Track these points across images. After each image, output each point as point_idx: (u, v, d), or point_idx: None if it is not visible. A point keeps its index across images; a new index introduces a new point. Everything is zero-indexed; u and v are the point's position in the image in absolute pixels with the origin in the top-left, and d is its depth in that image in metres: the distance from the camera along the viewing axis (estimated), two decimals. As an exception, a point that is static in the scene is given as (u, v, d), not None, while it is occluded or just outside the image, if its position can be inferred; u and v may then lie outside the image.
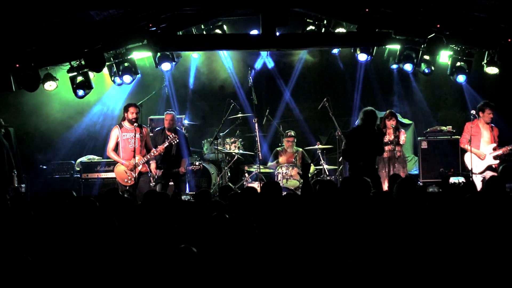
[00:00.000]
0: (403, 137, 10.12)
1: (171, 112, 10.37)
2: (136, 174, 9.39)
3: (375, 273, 4.06)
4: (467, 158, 10.00)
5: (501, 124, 11.18)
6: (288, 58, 13.12)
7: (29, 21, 8.99)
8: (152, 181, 9.63)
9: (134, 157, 9.31)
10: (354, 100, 13.09)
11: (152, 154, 9.54)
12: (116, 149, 9.59)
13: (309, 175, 10.97)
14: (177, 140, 9.77)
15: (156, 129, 10.48)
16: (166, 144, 9.64)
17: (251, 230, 4.57)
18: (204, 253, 4.25)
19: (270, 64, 13.04)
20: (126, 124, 9.51)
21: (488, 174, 9.59)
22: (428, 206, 4.92)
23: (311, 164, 11.32)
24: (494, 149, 9.83)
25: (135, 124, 9.38)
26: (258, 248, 4.45)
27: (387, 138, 9.94)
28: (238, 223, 4.50)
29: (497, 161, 9.78)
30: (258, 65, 12.99)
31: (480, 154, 9.81)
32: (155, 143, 9.87)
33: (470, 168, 9.91)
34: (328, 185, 5.72)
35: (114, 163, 9.79)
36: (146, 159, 9.47)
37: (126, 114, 9.51)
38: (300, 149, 11.53)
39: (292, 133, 11.45)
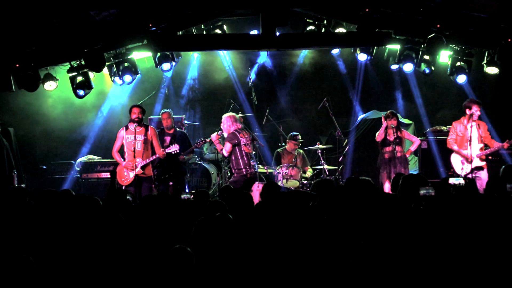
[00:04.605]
0: (416, 141, 10.22)
1: (166, 110, 10.51)
2: (134, 175, 9.35)
3: (378, 274, 4.06)
4: (454, 159, 9.95)
5: (500, 124, 11.20)
6: (288, 58, 13.13)
7: (29, 21, 8.99)
8: (154, 187, 9.64)
9: (134, 157, 9.29)
10: (354, 100, 13.11)
11: (152, 158, 9.51)
12: (122, 150, 9.62)
13: (308, 177, 11.09)
14: (177, 151, 9.73)
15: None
16: (167, 151, 9.61)
17: (253, 230, 4.57)
18: (202, 253, 4.26)
19: (270, 64, 13.05)
20: (130, 126, 9.49)
21: (479, 174, 9.50)
22: (424, 209, 4.91)
23: (309, 167, 11.35)
24: (481, 149, 9.74)
25: (135, 125, 9.36)
26: (258, 248, 4.45)
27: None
28: (240, 224, 4.50)
29: (484, 162, 9.69)
30: (258, 65, 13.00)
31: (467, 156, 9.61)
32: None
33: (456, 169, 9.85)
34: (327, 185, 5.72)
35: (114, 163, 9.80)
36: (145, 162, 9.43)
37: (130, 115, 9.52)
38: (301, 151, 11.52)
39: (300, 137, 11.37)
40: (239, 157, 9.52)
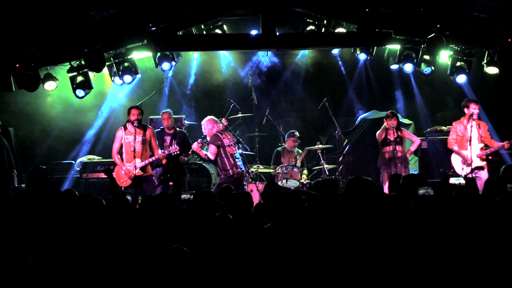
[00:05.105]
0: (416, 140, 10.28)
1: (167, 110, 10.55)
2: (133, 177, 9.34)
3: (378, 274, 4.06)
4: (454, 159, 9.96)
5: (500, 124, 11.20)
6: (288, 58, 13.12)
7: (29, 21, 8.99)
8: (156, 182, 9.67)
9: (134, 157, 9.29)
10: (354, 100, 13.11)
11: (152, 159, 9.51)
12: (120, 150, 9.62)
13: (306, 177, 11.09)
14: (177, 152, 9.72)
15: (155, 130, 10.49)
16: (166, 153, 9.60)
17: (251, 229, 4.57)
18: (201, 253, 4.26)
19: (270, 64, 13.05)
20: (129, 126, 9.49)
21: (479, 174, 9.50)
22: (424, 209, 4.91)
23: (305, 169, 11.36)
24: (482, 149, 9.75)
25: (135, 125, 9.35)
26: (259, 248, 4.45)
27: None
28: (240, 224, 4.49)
29: (484, 162, 9.70)
30: (258, 65, 12.99)
31: (467, 158, 9.64)
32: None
33: (456, 169, 9.85)
34: (329, 184, 5.72)
35: (114, 163, 9.80)
36: (145, 164, 9.43)
37: (129, 116, 9.51)
38: (301, 151, 11.53)
39: (298, 134, 11.45)
40: (224, 158, 9.64)
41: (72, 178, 11.43)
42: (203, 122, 9.92)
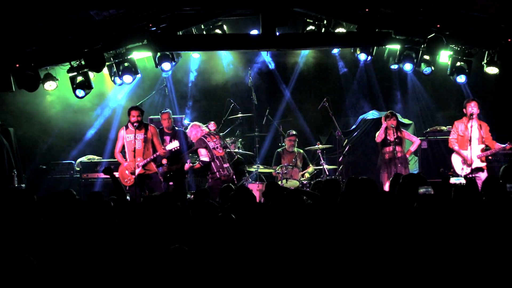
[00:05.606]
0: (416, 141, 10.35)
1: (166, 111, 10.56)
2: (136, 175, 9.35)
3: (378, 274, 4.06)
4: (454, 159, 9.96)
5: (500, 124, 11.19)
6: (288, 58, 13.13)
7: (29, 21, 8.99)
8: (162, 179, 9.72)
9: (134, 157, 9.29)
10: (354, 100, 13.11)
11: (153, 156, 9.52)
12: (123, 149, 9.64)
13: (309, 176, 11.10)
14: (178, 148, 9.75)
15: (155, 130, 10.51)
16: (167, 149, 9.63)
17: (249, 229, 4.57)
18: (201, 252, 4.26)
19: (270, 64, 13.06)
20: (130, 125, 9.51)
21: (479, 175, 9.48)
22: (424, 208, 4.91)
23: (311, 166, 11.37)
24: (482, 150, 9.74)
25: (135, 126, 9.37)
26: (261, 248, 4.45)
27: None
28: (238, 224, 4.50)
29: (485, 163, 9.69)
30: (258, 65, 13.00)
31: (467, 158, 9.63)
32: None
33: (456, 170, 9.85)
34: (332, 184, 5.73)
35: (115, 163, 9.81)
36: (146, 161, 9.44)
37: (129, 117, 9.53)
38: (301, 150, 11.54)
39: (294, 132, 11.50)
40: (210, 161, 9.70)
41: (72, 178, 11.44)
42: (188, 129, 10.08)
